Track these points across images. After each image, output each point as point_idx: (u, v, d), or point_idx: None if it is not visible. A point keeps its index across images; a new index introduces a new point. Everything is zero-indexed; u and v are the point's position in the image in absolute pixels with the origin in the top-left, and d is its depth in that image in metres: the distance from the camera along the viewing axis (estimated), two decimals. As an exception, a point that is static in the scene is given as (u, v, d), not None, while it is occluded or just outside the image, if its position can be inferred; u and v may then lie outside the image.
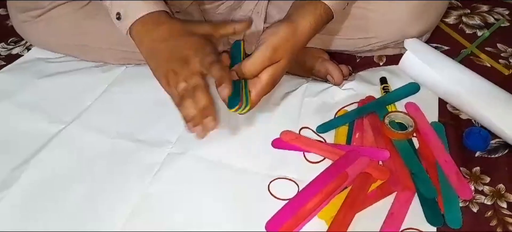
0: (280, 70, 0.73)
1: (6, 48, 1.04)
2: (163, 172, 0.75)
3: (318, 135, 0.79)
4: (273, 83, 0.73)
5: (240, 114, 0.72)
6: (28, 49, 1.02)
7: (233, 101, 0.70)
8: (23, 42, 1.03)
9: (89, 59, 0.96)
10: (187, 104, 0.68)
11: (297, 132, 0.80)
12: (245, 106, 0.71)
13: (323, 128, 0.80)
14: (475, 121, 0.81)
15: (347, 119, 0.81)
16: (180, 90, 0.69)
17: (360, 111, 0.82)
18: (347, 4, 0.79)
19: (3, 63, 0.99)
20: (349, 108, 0.83)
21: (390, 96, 0.84)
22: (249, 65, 0.71)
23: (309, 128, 0.80)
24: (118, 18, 0.75)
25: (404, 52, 0.87)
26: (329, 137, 0.79)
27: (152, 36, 0.74)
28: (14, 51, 1.02)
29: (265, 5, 0.93)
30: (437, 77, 0.83)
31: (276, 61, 0.72)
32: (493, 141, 0.78)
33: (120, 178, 0.75)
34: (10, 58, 1.00)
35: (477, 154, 0.77)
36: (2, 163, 0.77)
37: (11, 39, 1.05)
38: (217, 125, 0.69)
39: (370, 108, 0.82)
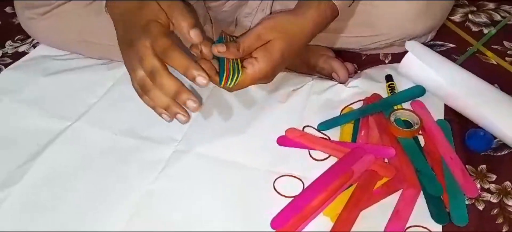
0: (275, 52, 0.69)
1: (13, 46, 1.04)
2: (169, 170, 0.75)
3: (321, 132, 0.79)
4: (270, 64, 0.69)
5: (230, 87, 0.68)
6: (35, 46, 1.02)
7: (220, 77, 0.67)
8: (30, 39, 1.04)
9: (95, 57, 0.96)
10: (152, 95, 0.63)
11: (302, 129, 0.80)
12: (234, 76, 0.67)
13: (325, 126, 0.80)
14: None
15: (348, 118, 0.81)
16: (138, 80, 0.63)
17: (363, 113, 0.81)
18: (352, 3, 0.79)
19: (10, 60, 0.99)
20: (354, 106, 0.83)
21: (394, 99, 0.84)
22: (242, 37, 0.69)
23: (312, 127, 0.80)
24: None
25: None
26: (335, 134, 0.79)
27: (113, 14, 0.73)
28: (21, 49, 1.02)
29: (270, 3, 0.93)
30: (437, 84, 0.83)
31: (268, 40, 0.70)
32: (498, 139, 0.77)
33: (125, 175, 0.75)
34: (17, 56, 1.00)
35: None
36: (7, 160, 0.77)
37: (17, 37, 1.06)
38: (201, 105, 0.63)
39: (373, 110, 0.81)
